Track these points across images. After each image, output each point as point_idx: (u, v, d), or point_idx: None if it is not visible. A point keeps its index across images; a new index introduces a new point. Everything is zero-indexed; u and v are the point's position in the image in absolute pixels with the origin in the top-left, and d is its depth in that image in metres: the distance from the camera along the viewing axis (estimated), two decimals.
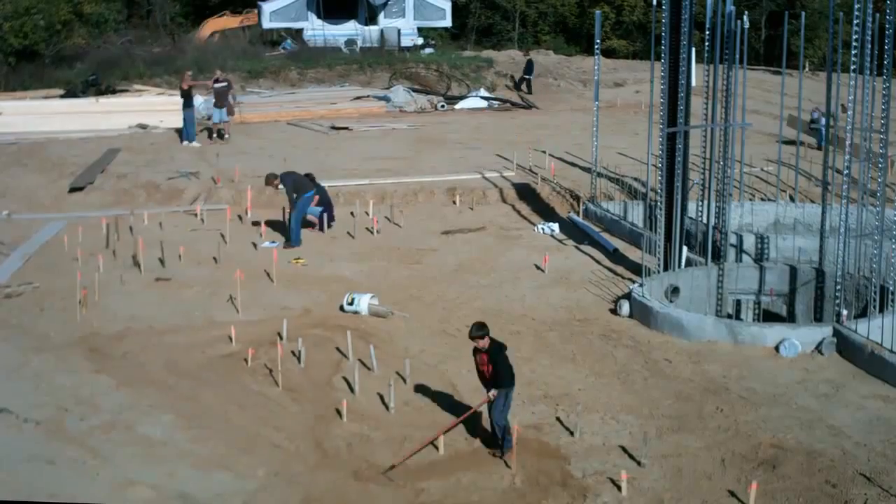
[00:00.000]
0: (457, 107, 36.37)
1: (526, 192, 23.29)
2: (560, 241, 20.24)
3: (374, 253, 19.31)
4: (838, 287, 15.29)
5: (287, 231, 19.82)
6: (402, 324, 15.61)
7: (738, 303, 17.35)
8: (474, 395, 13.07)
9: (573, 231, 20.75)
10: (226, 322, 15.18)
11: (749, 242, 19.12)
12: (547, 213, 22.16)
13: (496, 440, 11.58)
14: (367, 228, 20.76)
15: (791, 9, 43.47)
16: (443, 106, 36.18)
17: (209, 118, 29.57)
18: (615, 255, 19.06)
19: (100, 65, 38.79)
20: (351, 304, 15.94)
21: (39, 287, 16.88)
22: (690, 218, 18.55)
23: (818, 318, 16.69)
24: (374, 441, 11.90)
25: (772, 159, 22.51)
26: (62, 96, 34.09)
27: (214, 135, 28.89)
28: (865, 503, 10.54)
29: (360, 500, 10.74)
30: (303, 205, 19.75)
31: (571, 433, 12.00)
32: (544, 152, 25.42)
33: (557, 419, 12.41)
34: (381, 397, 12.79)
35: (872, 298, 15.66)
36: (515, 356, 14.31)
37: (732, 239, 18.68)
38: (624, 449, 11.63)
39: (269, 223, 20.76)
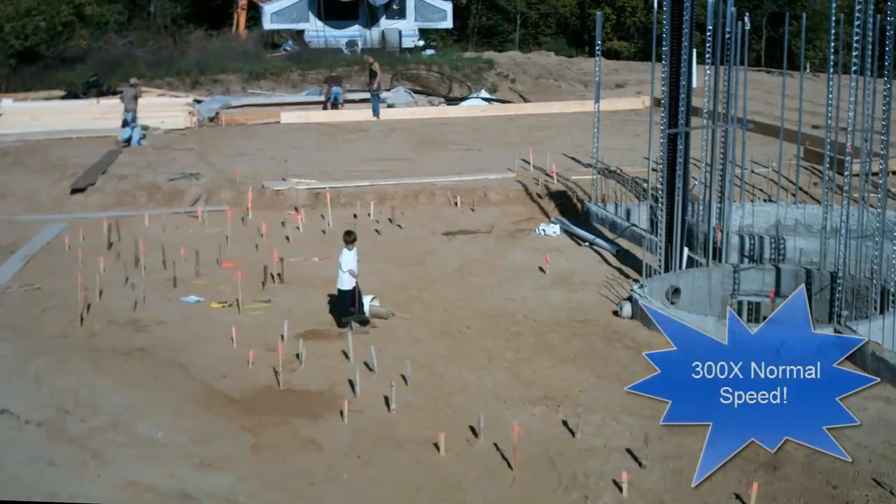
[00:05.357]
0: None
1: (527, 193, 23.27)
2: (561, 242, 20.22)
3: (375, 254, 19.28)
4: (839, 288, 15.28)
5: None
6: (404, 325, 15.61)
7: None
8: (476, 394, 13.08)
9: (575, 232, 20.72)
10: (227, 323, 15.20)
11: (750, 243, 19.08)
12: (548, 214, 22.14)
13: None
14: (368, 229, 20.76)
15: (792, 10, 43.43)
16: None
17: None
18: (617, 257, 19.04)
19: (101, 66, 38.76)
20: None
21: (41, 288, 16.91)
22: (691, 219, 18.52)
23: (821, 319, 16.64)
24: (376, 442, 11.88)
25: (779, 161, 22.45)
26: (63, 97, 34.11)
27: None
28: None
29: (358, 500, 10.75)
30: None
31: (573, 434, 12.00)
32: (553, 151, 25.40)
33: (560, 421, 12.40)
34: (386, 399, 12.78)
35: (873, 300, 15.64)
36: (516, 357, 14.38)
37: (735, 240, 18.65)
38: (626, 450, 11.63)
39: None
